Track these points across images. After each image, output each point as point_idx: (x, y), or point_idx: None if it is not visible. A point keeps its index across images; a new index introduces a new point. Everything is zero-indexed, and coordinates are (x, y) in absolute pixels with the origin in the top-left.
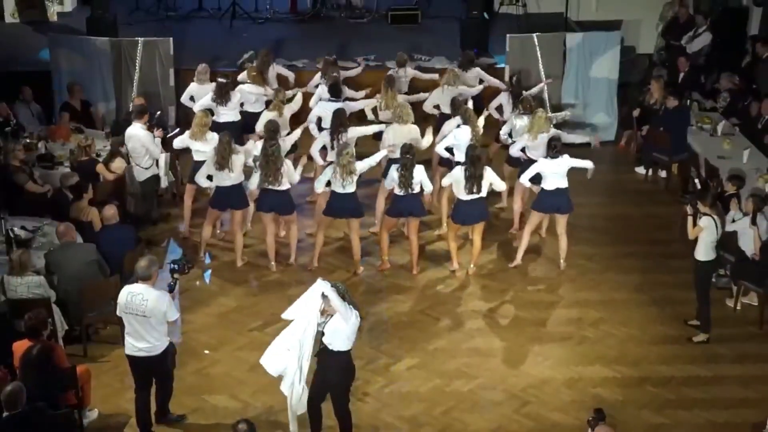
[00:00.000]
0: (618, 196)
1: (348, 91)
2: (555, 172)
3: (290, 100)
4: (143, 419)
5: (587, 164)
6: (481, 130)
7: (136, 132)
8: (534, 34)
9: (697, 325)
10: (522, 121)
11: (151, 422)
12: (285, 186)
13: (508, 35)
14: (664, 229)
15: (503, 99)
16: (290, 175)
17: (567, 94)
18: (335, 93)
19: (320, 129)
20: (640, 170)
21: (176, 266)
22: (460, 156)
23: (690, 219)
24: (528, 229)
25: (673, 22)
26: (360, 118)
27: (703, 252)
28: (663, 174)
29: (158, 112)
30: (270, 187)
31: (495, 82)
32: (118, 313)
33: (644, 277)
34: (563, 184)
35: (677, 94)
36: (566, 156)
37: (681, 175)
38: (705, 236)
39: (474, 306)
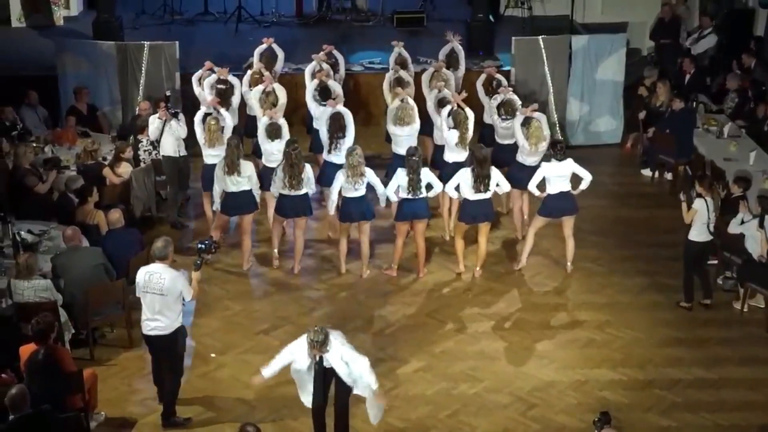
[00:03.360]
0: (623, 199)
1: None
2: (559, 176)
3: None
4: (160, 381)
5: (587, 176)
6: (470, 135)
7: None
8: (539, 37)
9: (688, 307)
10: (504, 123)
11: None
12: (303, 191)
13: (513, 38)
14: (669, 232)
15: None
16: (309, 179)
17: (572, 96)
18: (325, 97)
19: (309, 130)
20: (646, 172)
21: (203, 246)
22: (450, 156)
23: (684, 205)
24: (531, 232)
25: (659, 22)
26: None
27: (695, 232)
28: (669, 176)
29: (168, 95)
30: (290, 192)
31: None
32: (137, 294)
33: (650, 279)
34: (567, 187)
35: (683, 97)
36: (570, 160)
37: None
38: (697, 218)
39: (480, 309)
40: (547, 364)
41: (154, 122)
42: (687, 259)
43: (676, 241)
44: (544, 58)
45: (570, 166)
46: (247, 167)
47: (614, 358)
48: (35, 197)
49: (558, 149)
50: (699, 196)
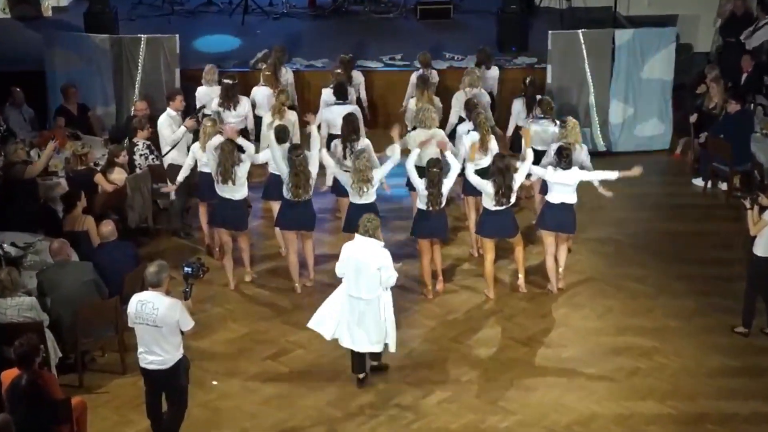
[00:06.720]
0: (673, 211)
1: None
2: (562, 184)
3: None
4: (154, 414)
5: (608, 175)
6: (491, 141)
7: (162, 116)
8: (579, 31)
9: (744, 333)
10: (538, 126)
11: (161, 415)
12: (308, 198)
13: (550, 32)
14: (724, 248)
15: (518, 104)
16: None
17: (616, 97)
18: (341, 95)
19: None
20: (698, 182)
21: (190, 270)
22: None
23: (750, 213)
24: (549, 252)
25: (731, 17)
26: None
27: (763, 247)
28: (723, 186)
29: (203, 106)
30: (295, 199)
31: None
32: (129, 324)
33: (702, 301)
34: (571, 199)
35: (739, 98)
36: (576, 168)
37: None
38: (766, 230)
39: (511, 333)
40: (587, 396)
41: (180, 131)
42: (751, 278)
43: (732, 259)
44: (585, 54)
45: (576, 175)
46: (242, 172)
47: (662, 388)
48: (24, 197)
49: (563, 156)
50: (764, 208)
